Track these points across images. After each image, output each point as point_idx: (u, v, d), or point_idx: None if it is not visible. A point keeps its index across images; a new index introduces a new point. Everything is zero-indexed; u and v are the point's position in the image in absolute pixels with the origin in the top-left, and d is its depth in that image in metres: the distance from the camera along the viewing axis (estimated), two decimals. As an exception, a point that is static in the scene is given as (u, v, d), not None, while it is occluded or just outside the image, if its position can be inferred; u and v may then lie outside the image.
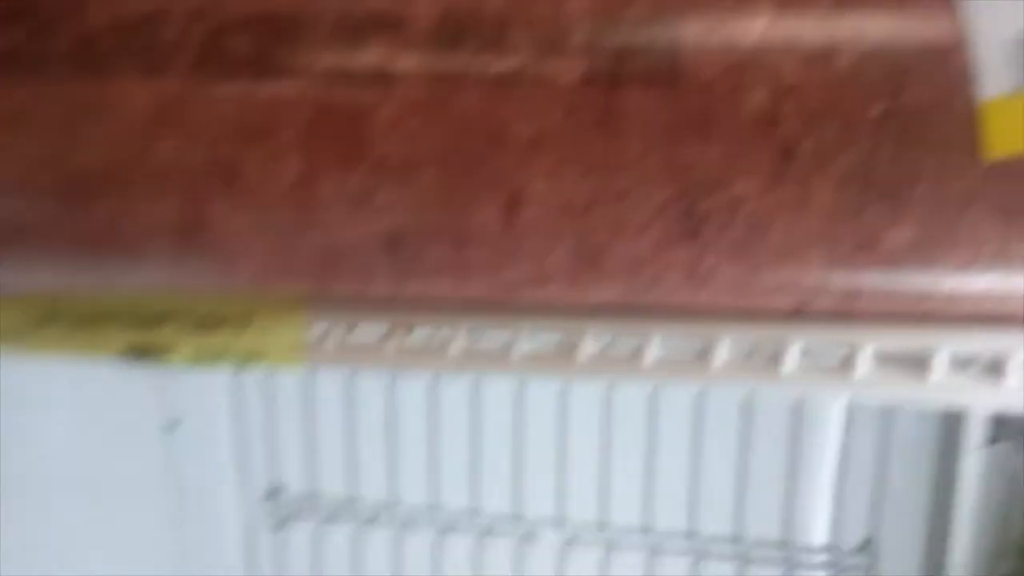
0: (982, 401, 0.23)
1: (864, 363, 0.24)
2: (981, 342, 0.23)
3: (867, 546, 0.82)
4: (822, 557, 0.81)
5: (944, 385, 0.24)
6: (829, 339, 0.24)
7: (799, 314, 0.24)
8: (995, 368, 0.23)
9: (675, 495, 0.86)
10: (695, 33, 0.21)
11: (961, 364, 0.24)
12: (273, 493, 0.93)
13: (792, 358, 0.24)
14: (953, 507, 0.76)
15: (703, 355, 0.25)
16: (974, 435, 0.78)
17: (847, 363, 0.24)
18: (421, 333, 0.26)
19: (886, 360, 0.24)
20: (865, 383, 0.24)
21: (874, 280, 0.22)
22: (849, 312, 0.23)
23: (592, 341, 0.25)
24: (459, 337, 0.26)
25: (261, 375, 0.95)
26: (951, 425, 0.83)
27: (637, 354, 0.25)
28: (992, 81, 0.20)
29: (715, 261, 0.22)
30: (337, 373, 0.90)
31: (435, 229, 0.23)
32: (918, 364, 0.24)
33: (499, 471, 0.89)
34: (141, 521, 0.81)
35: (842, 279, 0.22)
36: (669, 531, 0.83)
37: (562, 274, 0.24)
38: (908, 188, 0.21)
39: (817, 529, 0.84)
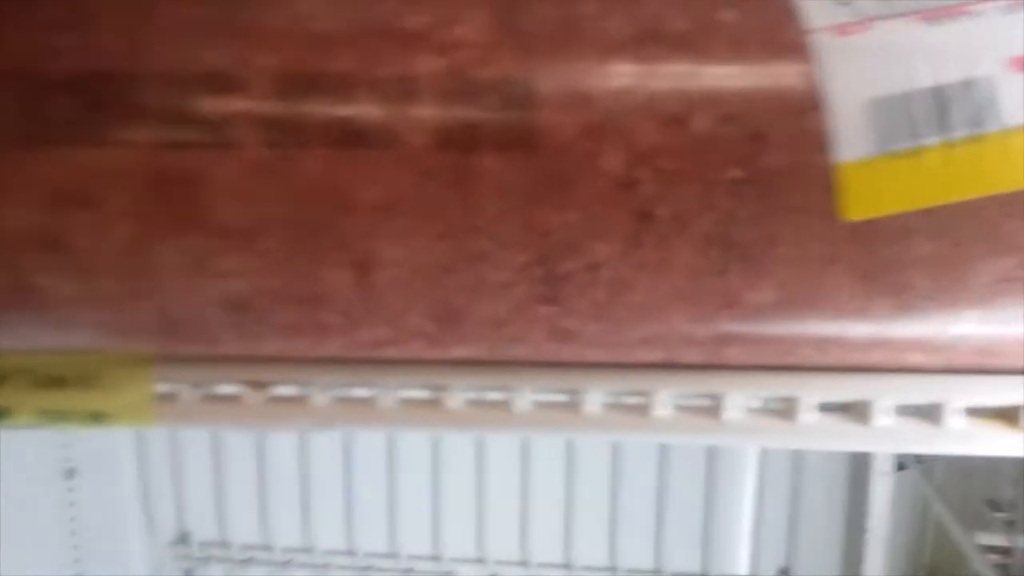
0: (849, 443, 0.25)
1: (734, 410, 0.25)
2: (847, 389, 0.25)
3: (784, 574, 0.88)
4: None
5: (814, 428, 0.25)
6: (697, 388, 0.25)
7: (668, 365, 0.25)
8: (861, 411, 0.25)
9: (594, 530, 0.89)
10: (551, 96, 0.21)
11: (829, 409, 0.25)
12: (181, 539, 0.93)
13: (663, 406, 0.25)
14: (865, 533, 0.82)
15: (572, 405, 0.26)
16: (882, 463, 0.83)
17: (714, 410, 0.25)
18: (285, 388, 0.27)
19: (755, 408, 0.25)
20: (735, 428, 0.25)
21: (741, 334, 0.23)
22: (719, 363, 0.24)
23: (460, 392, 0.26)
24: (322, 391, 0.26)
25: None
26: (861, 454, 0.89)
27: (506, 403, 0.26)
28: (848, 145, 0.20)
29: (577, 322, 0.23)
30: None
31: (282, 293, 0.23)
32: (787, 410, 0.25)
33: (417, 512, 0.91)
34: (43, 568, 0.80)
35: (707, 334, 0.23)
36: (589, 566, 0.86)
37: (422, 334, 0.24)
38: (768, 250, 0.21)
39: (735, 560, 0.89)
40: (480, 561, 0.87)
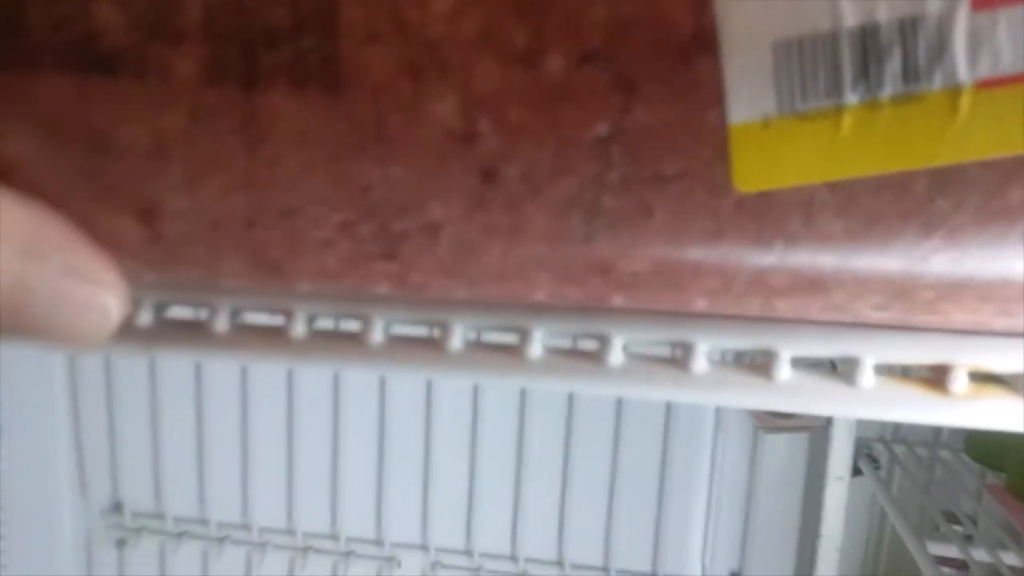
0: (747, 397, 0.25)
1: (616, 354, 0.24)
2: (744, 338, 0.24)
3: None
4: None
5: (708, 379, 0.25)
6: (577, 329, 0.24)
7: (544, 307, 0.24)
8: (764, 365, 0.24)
9: (543, 525, 0.92)
10: (359, 17, 0.18)
11: (725, 361, 0.25)
12: (115, 508, 0.94)
13: (537, 346, 0.25)
14: (819, 538, 0.84)
15: (435, 341, 0.25)
16: (837, 466, 0.83)
17: (598, 354, 0.25)
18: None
19: (641, 352, 0.25)
20: (622, 374, 0.25)
21: (620, 292, 0.22)
22: (604, 306, 0.24)
23: (303, 324, 0.25)
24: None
25: (102, 393, 0.91)
26: (817, 458, 0.89)
27: (361, 335, 0.25)
28: (743, 100, 0.18)
29: (424, 278, 0.22)
30: (184, 389, 0.87)
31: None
32: (680, 358, 0.24)
33: (360, 494, 0.92)
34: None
35: (582, 293, 0.22)
36: (537, 559, 0.89)
37: (242, 275, 0.23)
38: (642, 221, 0.20)
39: (686, 562, 0.92)
40: (423, 548, 0.92)
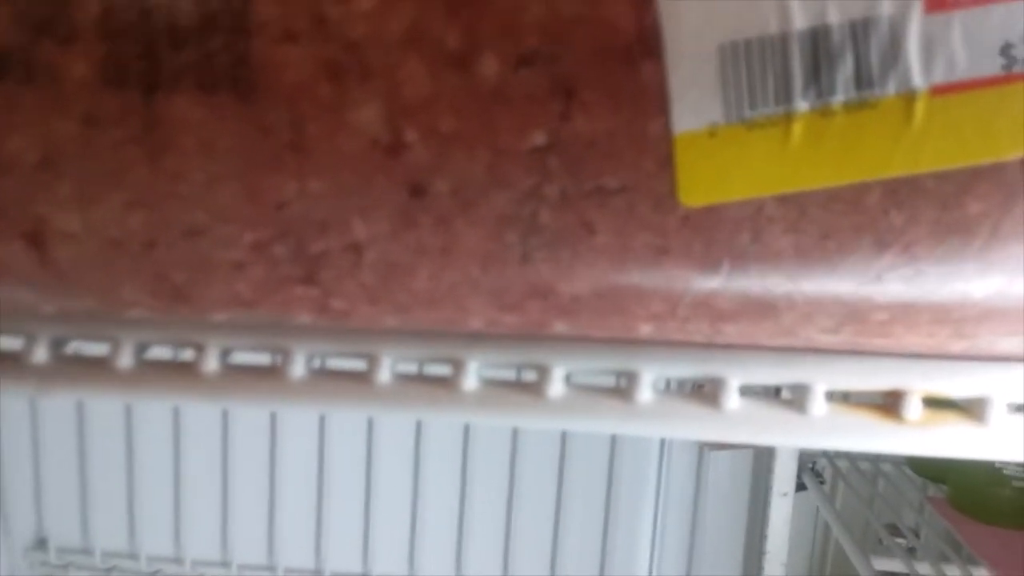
0: (694, 429, 0.23)
1: (557, 386, 0.23)
2: (691, 366, 0.23)
3: None
4: None
5: (653, 410, 0.23)
6: (514, 359, 0.23)
7: (479, 336, 0.23)
8: (712, 395, 0.23)
9: (489, 541, 0.91)
10: (273, 13, 0.16)
11: (668, 388, 0.24)
12: (39, 544, 0.90)
13: (471, 379, 0.23)
14: (764, 553, 0.85)
15: (365, 375, 0.23)
16: (782, 482, 0.84)
17: (536, 386, 0.23)
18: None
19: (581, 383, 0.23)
20: (560, 407, 0.23)
21: (560, 318, 0.21)
22: (542, 335, 0.22)
23: (215, 358, 0.23)
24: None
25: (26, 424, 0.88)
26: (761, 474, 0.90)
27: (280, 370, 0.23)
28: (687, 109, 0.17)
29: (347, 305, 0.20)
30: (112, 422, 0.84)
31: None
32: (625, 388, 0.23)
33: (297, 523, 0.89)
34: None
35: (519, 319, 0.21)
36: None
37: (145, 305, 0.21)
38: (584, 237, 0.18)
39: (635, 572, 0.92)
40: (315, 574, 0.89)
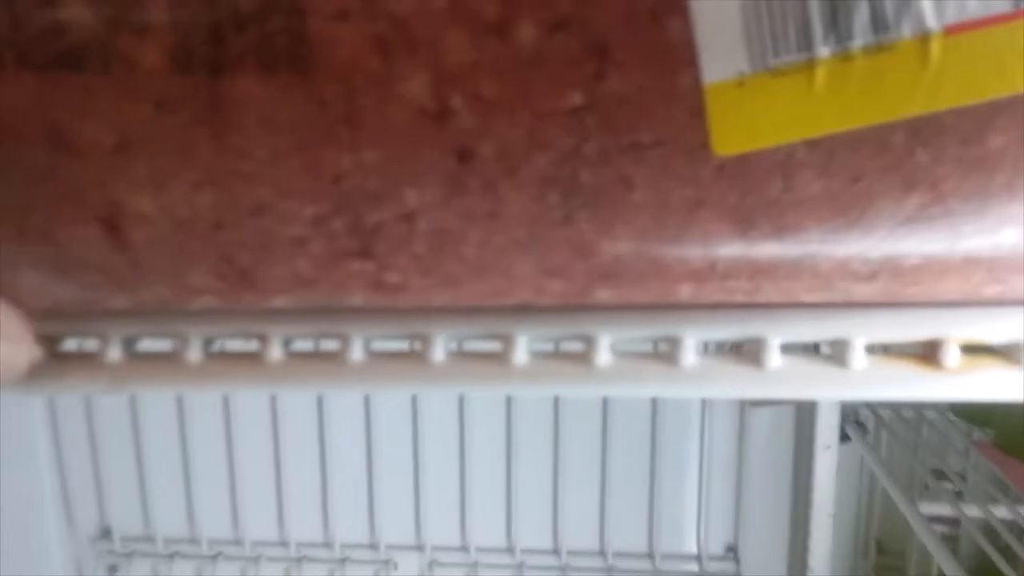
0: (741, 388, 0.24)
1: (603, 354, 0.24)
2: (732, 327, 0.23)
3: (731, 552, 0.91)
4: (689, 566, 0.90)
5: (700, 372, 0.24)
6: (562, 331, 0.24)
7: (526, 309, 0.23)
8: (754, 354, 0.24)
9: (537, 512, 0.91)
10: (324, -7, 0.17)
11: (712, 349, 0.24)
12: (103, 534, 0.92)
13: (521, 353, 0.24)
14: (811, 506, 0.85)
15: (421, 354, 0.24)
16: (825, 435, 0.84)
17: (585, 356, 0.24)
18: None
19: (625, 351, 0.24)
20: (609, 376, 0.24)
21: (604, 281, 0.21)
22: (586, 305, 0.23)
23: (278, 346, 0.24)
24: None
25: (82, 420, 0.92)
26: (804, 428, 0.91)
27: (340, 355, 0.24)
28: (715, 60, 0.18)
29: (401, 279, 0.21)
30: (166, 409, 0.87)
31: (18, 253, 0.20)
32: (669, 352, 0.24)
33: (351, 499, 0.91)
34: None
35: (563, 285, 0.22)
36: (533, 548, 0.89)
37: (212, 291, 0.22)
38: (622, 195, 0.19)
39: (682, 539, 0.92)
40: (419, 548, 0.90)
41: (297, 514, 0.91)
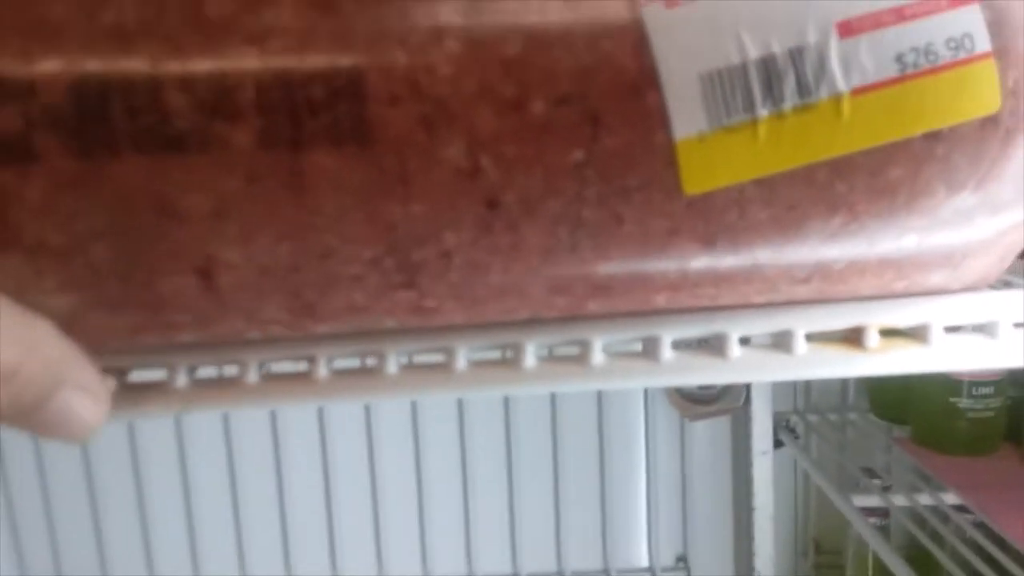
0: (707, 375, 0.29)
1: (598, 356, 0.28)
2: (700, 327, 0.28)
3: (682, 561, 0.97)
4: None
5: (673, 365, 0.29)
6: (563, 338, 0.28)
7: (532, 321, 0.28)
8: (719, 347, 0.29)
9: (494, 537, 0.96)
10: (380, 84, 0.22)
11: (684, 346, 0.29)
12: None
13: (530, 358, 0.28)
14: (753, 510, 0.91)
15: (445, 365, 0.28)
16: (760, 441, 0.92)
17: (582, 357, 0.28)
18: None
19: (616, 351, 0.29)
20: (601, 372, 0.29)
21: (596, 295, 0.26)
22: (581, 315, 0.28)
23: (326, 362, 0.28)
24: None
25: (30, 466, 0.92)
26: (740, 437, 0.97)
27: (377, 369, 0.28)
28: (682, 122, 0.23)
29: (436, 303, 0.25)
30: (119, 456, 0.88)
31: (119, 301, 0.24)
32: (649, 350, 0.29)
33: (311, 535, 0.94)
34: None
35: (564, 301, 0.26)
36: (491, 574, 0.93)
37: (279, 322, 0.26)
38: (615, 228, 0.24)
39: (635, 554, 0.98)
40: None
41: (257, 555, 0.93)
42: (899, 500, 0.72)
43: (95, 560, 0.96)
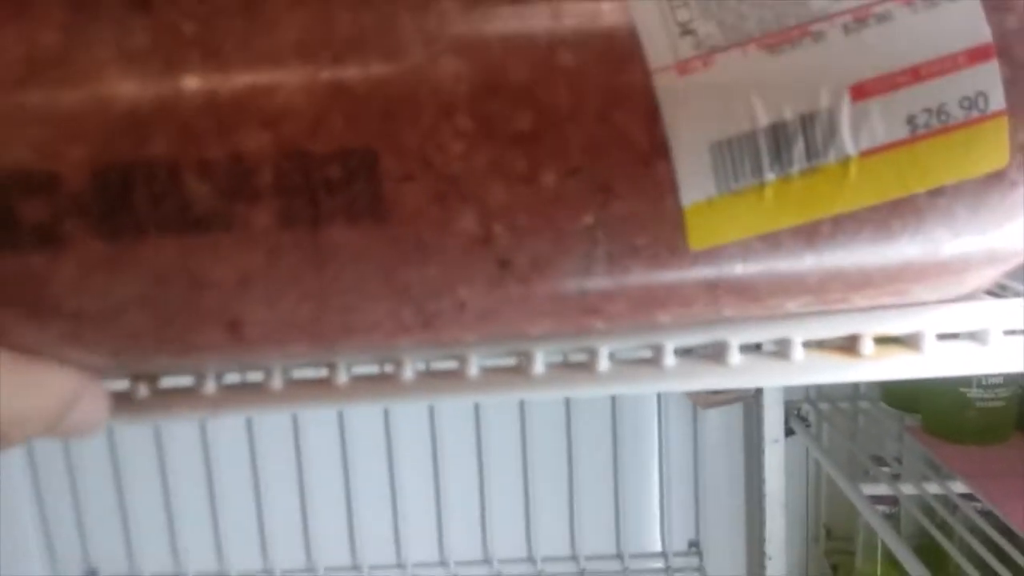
0: (710, 381, 0.30)
1: (604, 362, 0.30)
2: (702, 335, 0.29)
3: (694, 546, 0.97)
4: (656, 563, 0.96)
5: (677, 371, 0.30)
6: (573, 345, 0.30)
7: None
8: (719, 355, 0.30)
9: (510, 522, 0.95)
10: (394, 162, 0.22)
11: (688, 353, 0.30)
12: (90, 574, 0.94)
13: (539, 365, 0.30)
14: (764, 497, 0.90)
15: (459, 371, 0.30)
16: (772, 430, 0.89)
17: (590, 364, 0.30)
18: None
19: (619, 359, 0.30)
20: (608, 378, 0.30)
21: (597, 322, 0.27)
22: (587, 331, 0.29)
23: (345, 368, 0.30)
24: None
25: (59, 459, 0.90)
26: (752, 425, 0.94)
27: (395, 375, 0.30)
28: (690, 189, 0.23)
29: (452, 337, 0.27)
30: (146, 452, 0.86)
31: (153, 351, 0.25)
32: (653, 357, 0.30)
33: (331, 524, 0.94)
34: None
35: (571, 327, 0.27)
36: (507, 559, 0.93)
37: (304, 355, 0.27)
38: (622, 278, 0.25)
39: (648, 539, 0.98)
40: (400, 567, 0.94)
41: (279, 542, 0.96)
42: (908, 488, 0.73)
43: (124, 552, 0.98)
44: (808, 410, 0.97)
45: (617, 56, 0.22)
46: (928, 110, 0.22)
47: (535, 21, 0.22)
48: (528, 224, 0.22)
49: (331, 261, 0.22)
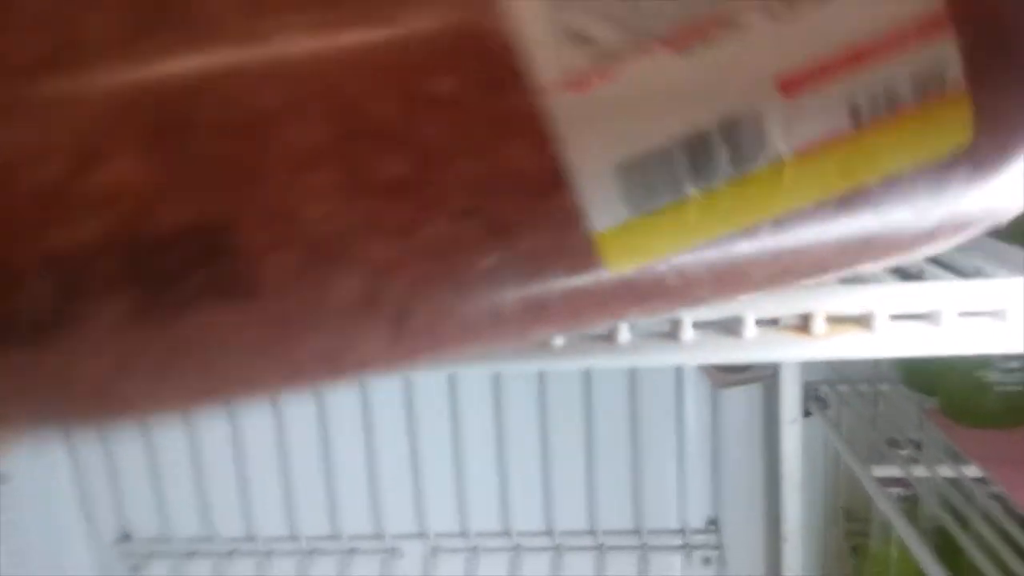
0: (727, 354, 0.28)
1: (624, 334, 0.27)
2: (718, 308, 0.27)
3: (713, 524, 0.92)
4: (674, 540, 0.92)
5: (695, 344, 0.28)
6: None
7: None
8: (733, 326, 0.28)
9: (530, 496, 0.91)
10: (253, 232, 0.18)
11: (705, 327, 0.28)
12: (124, 538, 0.91)
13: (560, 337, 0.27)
14: (781, 478, 0.85)
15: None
16: (789, 410, 0.82)
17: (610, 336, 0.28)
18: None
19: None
20: (624, 351, 0.28)
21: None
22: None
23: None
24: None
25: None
26: (770, 405, 0.87)
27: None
28: (600, 215, 0.19)
29: (365, 378, 0.24)
30: (177, 422, 0.81)
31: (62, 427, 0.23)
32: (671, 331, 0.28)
33: (356, 493, 0.90)
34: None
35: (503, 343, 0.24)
36: (526, 531, 0.89)
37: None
38: (540, 310, 0.21)
39: (666, 515, 0.93)
40: (422, 536, 0.92)
41: (306, 509, 0.95)
42: (920, 471, 0.70)
43: (156, 516, 0.98)
44: (827, 392, 0.93)
45: (498, 75, 0.18)
46: (873, 96, 0.18)
47: (391, 42, 0.18)
48: (419, 275, 0.19)
49: (203, 347, 0.19)
